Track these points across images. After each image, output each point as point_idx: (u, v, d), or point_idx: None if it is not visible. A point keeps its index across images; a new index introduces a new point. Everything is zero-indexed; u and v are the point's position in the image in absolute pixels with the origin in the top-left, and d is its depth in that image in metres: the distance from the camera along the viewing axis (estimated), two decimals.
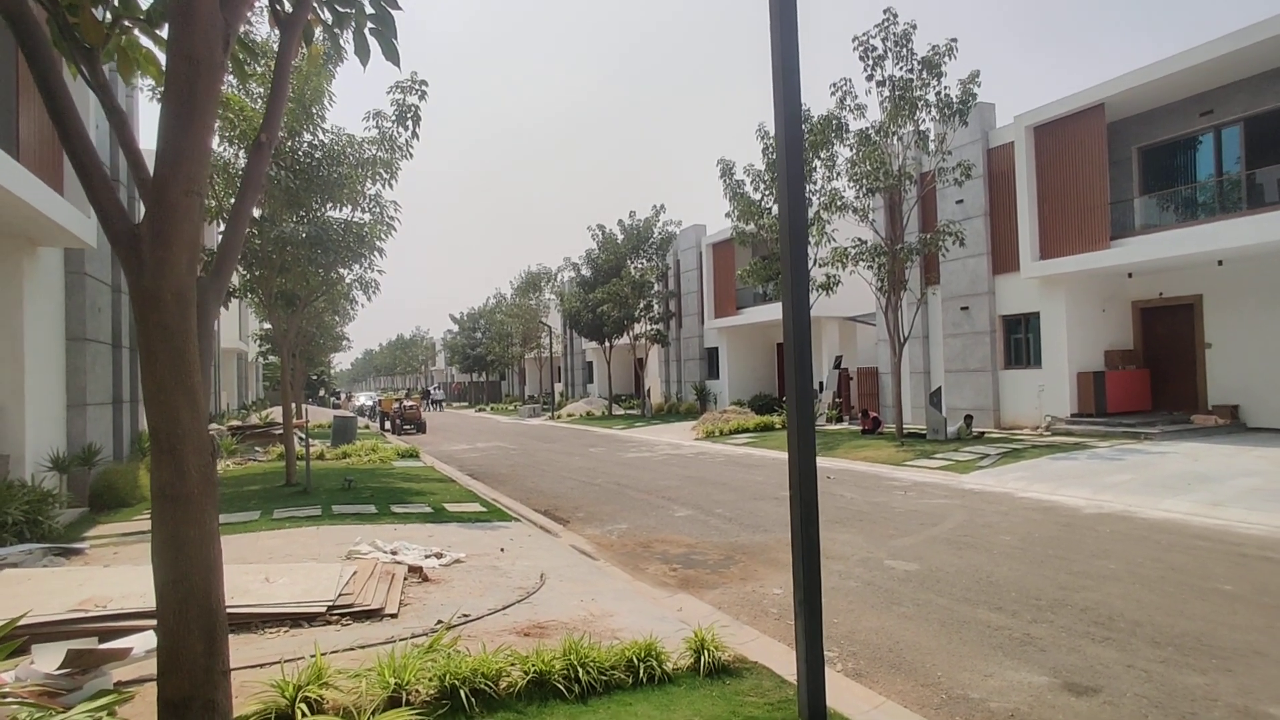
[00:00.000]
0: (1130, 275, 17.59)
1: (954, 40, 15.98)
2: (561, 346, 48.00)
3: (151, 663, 3.29)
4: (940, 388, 19.05)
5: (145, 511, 10.39)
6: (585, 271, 35.05)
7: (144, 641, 4.41)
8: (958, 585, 6.52)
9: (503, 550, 8.11)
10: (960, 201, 19.25)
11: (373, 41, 3.86)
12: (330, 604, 5.69)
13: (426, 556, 7.48)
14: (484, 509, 10.84)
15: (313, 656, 4.26)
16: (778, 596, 6.49)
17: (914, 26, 16.13)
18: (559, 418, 36.13)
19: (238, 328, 34.11)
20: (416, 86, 11.61)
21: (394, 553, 7.50)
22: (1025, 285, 17.95)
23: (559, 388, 49.51)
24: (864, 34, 16.43)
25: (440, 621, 5.51)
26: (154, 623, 3.14)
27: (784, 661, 4.80)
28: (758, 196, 20.22)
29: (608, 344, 34.06)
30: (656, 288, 33.32)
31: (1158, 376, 17.47)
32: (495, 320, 49.82)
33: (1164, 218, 16.46)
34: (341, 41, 3.92)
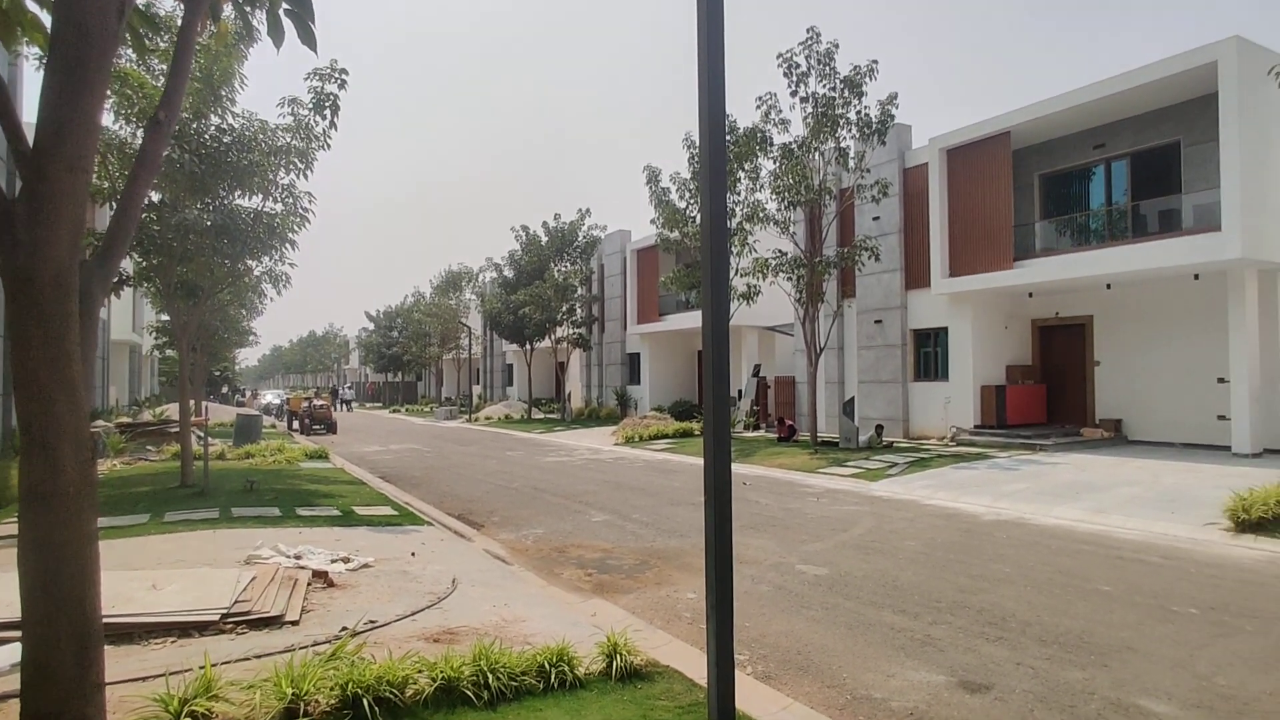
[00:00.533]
0: (1030, 295, 18.64)
1: (875, 61, 16.59)
2: (481, 348, 47.24)
3: (16, 677, 3.02)
4: (853, 398, 19.68)
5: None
6: (508, 272, 34.61)
7: (9, 655, 4.07)
8: (864, 589, 6.73)
9: (414, 555, 7.88)
10: (877, 218, 19.97)
11: (288, 24, 3.69)
12: (225, 612, 5.39)
13: (333, 561, 7.20)
14: (395, 512, 10.52)
15: (202, 668, 4.02)
16: (691, 601, 6.54)
17: (836, 46, 16.66)
18: (477, 420, 35.51)
19: (131, 319, 32.06)
20: (336, 74, 11.21)
21: (298, 557, 7.18)
22: (935, 301, 18.76)
23: (477, 390, 48.67)
24: (789, 51, 16.87)
25: (345, 628, 5.30)
26: (19, 634, 2.89)
27: (696, 665, 4.83)
28: (683, 204, 20.45)
29: (529, 346, 33.72)
30: (580, 291, 33.21)
31: (1053, 391, 18.56)
32: (413, 319, 48.54)
33: (1060, 242, 17.53)
34: (255, 22, 3.74)
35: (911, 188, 19.53)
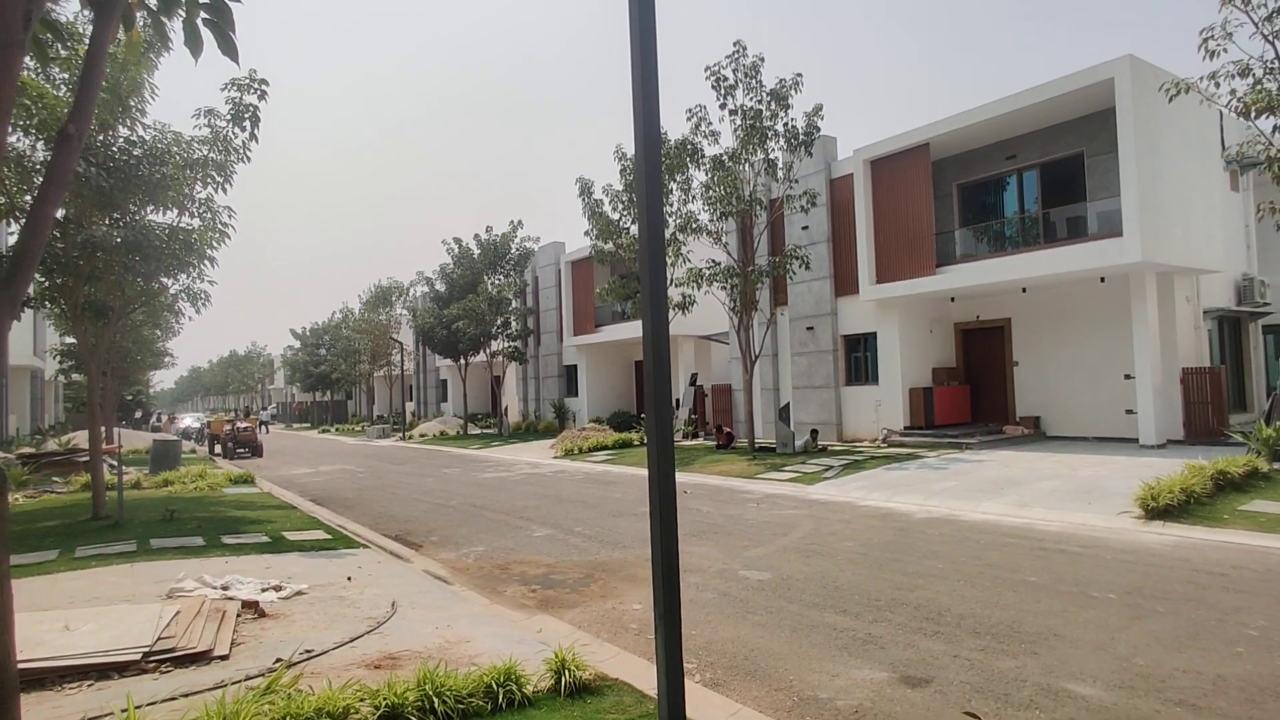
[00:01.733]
0: (953, 299, 19.40)
1: (799, 75, 17.03)
2: (414, 364, 46.24)
3: None
4: (789, 403, 20.06)
5: None
6: (440, 286, 34.01)
7: None
8: (807, 591, 6.85)
9: (350, 579, 7.64)
10: (806, 228, 20.47)
11: (207, 33, 3.55)
12: (147, 650, 5.11)
13: (264, 590, 6.90)
14: (329, 536, 10.17)
15: (125, 711, 3.80)
16: (638, 612, 6.53)
17: (762, 59, 17.05)
18: (411, 438, 34.70)
19: (32, 342, 30.13)
20: (255, 85, 10.87)
21: (225, 588, 6.86)
22: (864, 307, 19.32)
23: (411, 407, 47.58)
24: (716, 64, 17.16)
25: (280, 660, 5.09)
26: None
27: (644, 676, 4.82)
28: (616, 216, 20.53)
29: (463, 361, 33.18)
30: (514, 304, 32.90)
31: (976, 391, 19.33)
32: (342, 336, 47.14)
33: (979, 248, 18.32)
34: (169, 30, 3.59)
35: (838, 197, 20.11)
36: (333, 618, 6.24)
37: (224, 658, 5.23)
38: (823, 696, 4.59)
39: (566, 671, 4.62)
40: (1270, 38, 9.95)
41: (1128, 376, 16.10)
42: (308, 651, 5.33)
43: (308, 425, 58.27)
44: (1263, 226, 17.56)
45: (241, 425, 28.25)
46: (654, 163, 3.90)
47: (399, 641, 5.64)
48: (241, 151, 11.52)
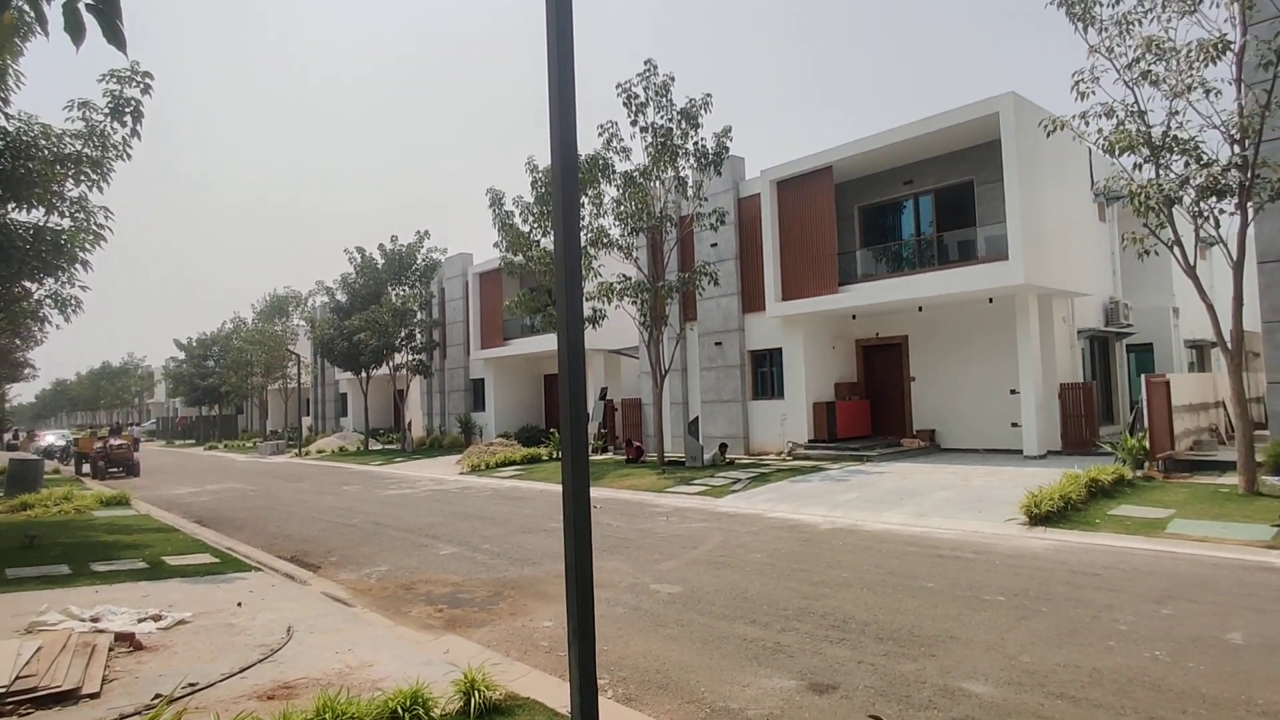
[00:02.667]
0: (854, 317, 20.19)
1: (709, 95, 17.41)
2: (312, 377, 44.24)
3: None
4: (697, 417, 20.32)
5: None
6: (341, 297, 32.70)
7: None
8: (717, 603, 6.90)
9: (240, 605, 7.17)
10: (715, 245, 20.88)
11: (91, 20, 3.28)
12: (4, 690, 4.61)
13: (140, 620, 6.38)
14: (216, 559, 9.53)
15: None
16: (548, 629, 6.41)
17: (672, 78, 17.33)
18: (308, 454, 33.11)
19: None
20: (138, 78, 10.18)
21: (95, 620, 6.31)
22: (770, 323, 19.84)
23: (308, 421, 45.44)
24: (628, 81, 17.34)
25: (159, 695, 4.71)
26: None
27: (557, 694, 4.73)
28: (527, 228, 20.34)
29: (365, 374, 32.00)
30: (420, 316, 32.01)
31: (876, 405, 20.14)
32: (233, 347, 44.54)
33: (879, 268, 19.16)
34: (47, 12, 3.29)
35: (746, 216, 20.63)
36: (220, 647, 5.83)
37: (94, 696, 4.78)
38: (734, 707, 4.62)
39: (476, 692, 4.47)
40: (1130, 84, 10.90)
41: (1013, 391, 17.17)
42: (191, 685, 4.95)
43: (192, 442, 54.67)
44: (1126, 254, 19.16)
45: (115, 442, 26.16)
46: (570, 176, 3.87)
47: (295, 669, 5.32)
48: (121, 148, 10.75)
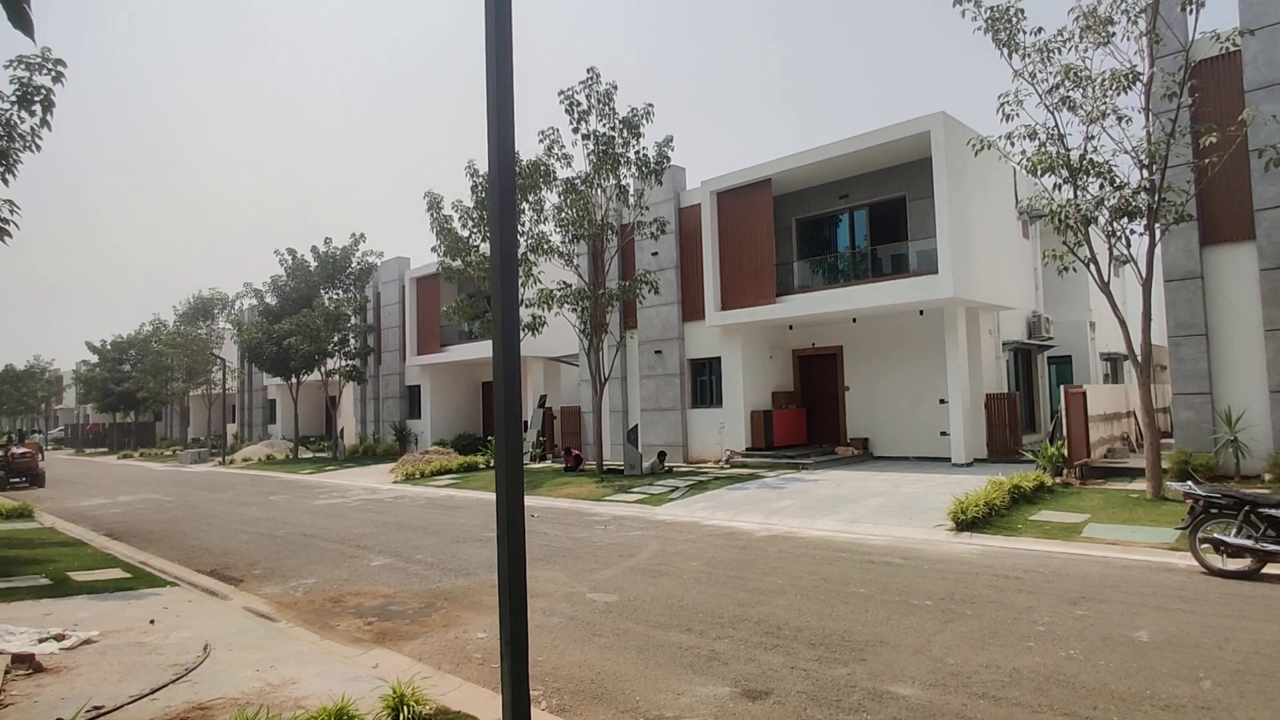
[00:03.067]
0: (791, 327, 20.56)
1: (650, 105, 17.54)
2: (238, 382, 42.58)
3: None
4: (636, 425, 20.34)
5: None
6: (270, 300, 31.61)
7: None
8: (653, 612, 6.89)
9: (153, 622, 6.81)
10: (656, 254, 21.00)
11: None
12: None
13: (41, 640, 6.00)
14: (128, 575, 9.05)
15: None
16: (482, 640, 6.29)
17: (615, 87, 17.40)
18: (233, 463, 31.82)
19: None
20: (49, 65, 9.66)
21: None
22: (709, 333, 20.03)
23: (233, 429, 43.71)
24: (570, 88, 17.33)
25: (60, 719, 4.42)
26: None
27: (489, 707, 4.64)
28: (466, 233, 20.08)
29: (295, 380, 30.97)
30: (354, 321, 31.19)
31: (812, 414, 20.52)
32: (151, 350, 42.48)
33: (815, 280, 19.57)
34: None
35: (687, 226, 20.81)
36: (129, 667, 5.52)
37: None
38: (668, 715, 4.61)
39: (405, 707, 4.36)
40: (1051, 109, 11.45)
41: (942, 401, 17.74)
42: (96, 708, 4.67)
43: (105, 450, 51.89)
44: (1048, 270, 20.06)
45: (17, 451, 24.59)
46: (508, 183, 3.82)
47: (212, 689, 5.08)
48: (30, 139, 10.17)
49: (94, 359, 50.49)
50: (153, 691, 5.00)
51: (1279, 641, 5.45)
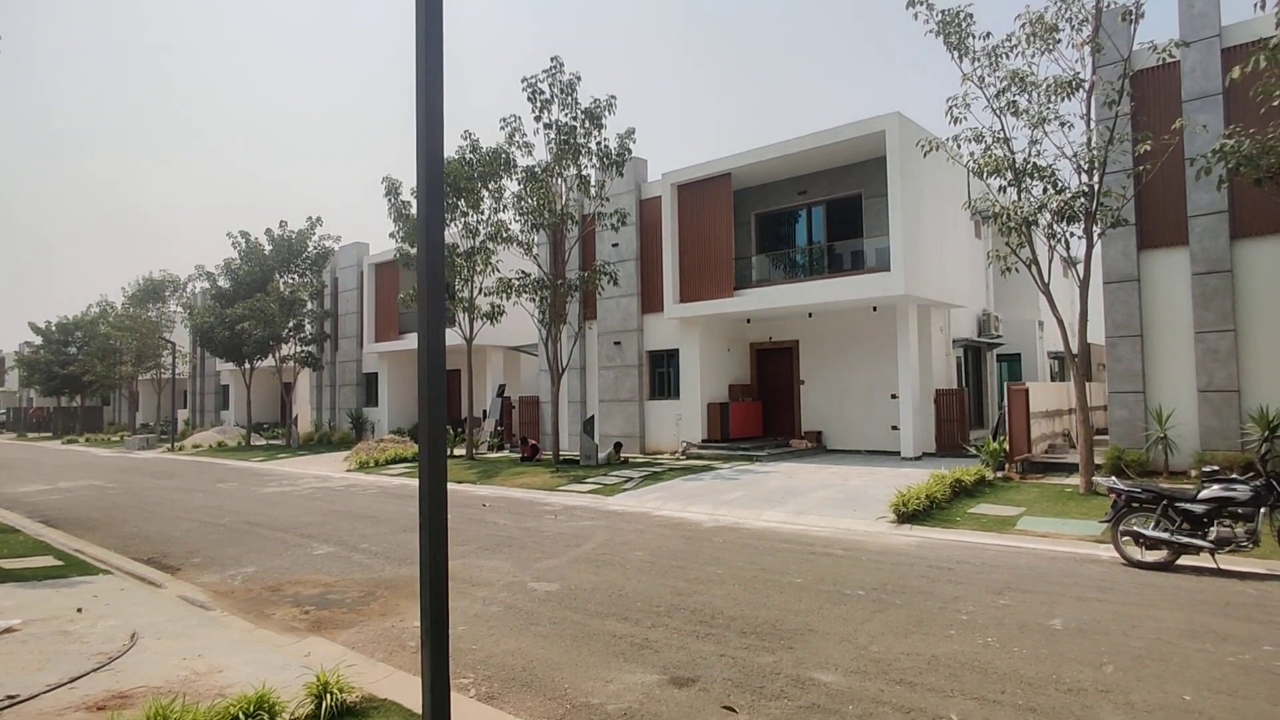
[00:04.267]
0: (749, 321, 20.74)
1: (613, 96, 17.49)
2: (189, 367, 41.58)
3: None
4: (593, 416, 20.38)
5: None
6: (223, 283, 30.90)
7: None
8: (592, 601, 6.96)
9: (80, 611, 6.68)
10: (616, 245, 21.01)
11: None
12: None
13: None
14: (59, 563, 8.84)
15: None
16: (417, 629, 6.27)
17: (578, 77, 17.32)
18: (182, 449, 31.13)
19: None
20: None
21: None
22: (668, 325, 20.13)
23: (184, 415, 42.70)
24: (533, 77, 17.20)
25: None
26: None
27: (416, 695, 4.65)
28: None
29: (248, 366, 30.38)
30: (310, 306, 30.65)
31: (768, 407, 20.76)
32: (98, 333, 41.23)
33: (774, 274, 19.76)
34: None
35: (647, 218, 20.85)
36: (50, 656, 5.42)
37: None
38: (594, 702, 4.68)
39: (328, 695, 4.37)
40: (998, 112, 11.72)
41: (893, 396, 18.09)
42: (10, 697, 4.59)
43: (49, 435, 50.32)
44: (998, 270, 20.59)
45: None
46: (435, 175, 3.82)
47: (135, 677, 5.02)
48: None
49: (38, 340, 48.82)
50: (72, 680, 4.92)
51: (1181, 628, 5.72)
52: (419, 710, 4.34)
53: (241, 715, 4.04)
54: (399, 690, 4.84)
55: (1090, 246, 11.66)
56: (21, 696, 4.60)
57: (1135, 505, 7.88)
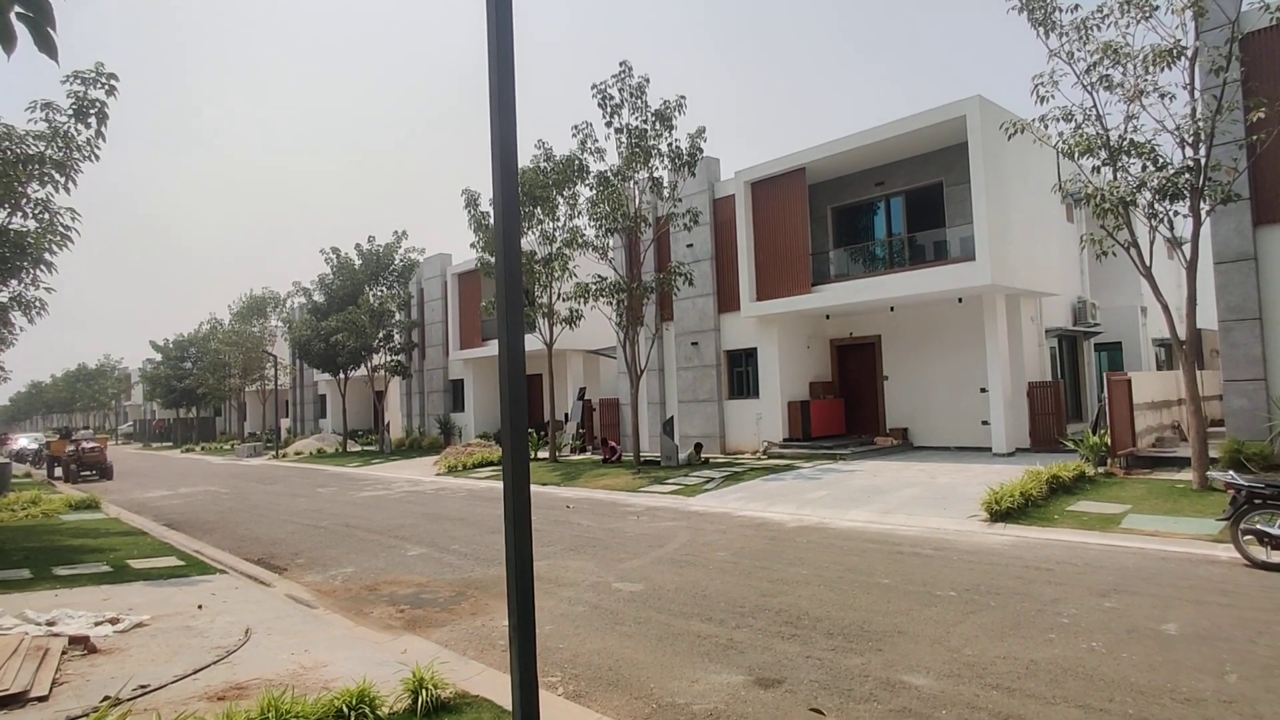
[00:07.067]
0: (828, 317, 20.35)
1: (683, 96, 17.51)
2: (290, 378, 43.92)
3: None
4: (673, 417, 20.42)
5: None
6: (318, 297, 32.51)
7: None
8: (676, 601, 6.99)
9: (201, 607, 7.17)
10: (690, 245, 21.00)
11: (21, 29, 3.29)
12: None
13: (97, 624, 6.38)
14: (182, 562, 9.51)
15: None
16: (506, 629, 6.46)
17: (647, 80, 17.42)
18: (285, 456, 32.91)
19: None
20: (103, 79, 10.14)
21: (50, 623, 6.30)
22: (745, 323, 19.97)
23: (286, 423, 45.10)
24: (602, 83, 17.41)
25: (108, 697, 4.73)
26: None
27: (506, 693, 4.78)
28: None
29: (343, 376, 31.84)
30: (398, 317, 31.89)
31: (850, 404, 20.32)
32: (209, 349, 44.12)
33: (852, 268, 19.33)
34: None
35: (721, 217, 20.75)
36: (175, 649, 5.84)
37: (43, 698, 4.79)
38: (680, 702, 4.70)
39: (424, 691, 4.54)
40: (1089, 88, 11.11)
41: (982, 390, 17.39)
42: (142, 687, 4.97)
43: (169, 444, 54.14)
44: (1092, 255, 19.52)
45: (88, 445, 25.87)
46: (510, 184, 3.93)
47: (249, 670, 5.35)
48: (88, 149, 10.68)
49: (158, 357, 52.64)
50: (195, 672, 5.29)
51: None
52: (509, 707, 4.48)
53: (345, 708, 4.25)
54: (490, 687, 4.99)
55: (1198, 225, 10.90)
56: (152, 686, 4.98)
57: (1258, 501, 7.33)
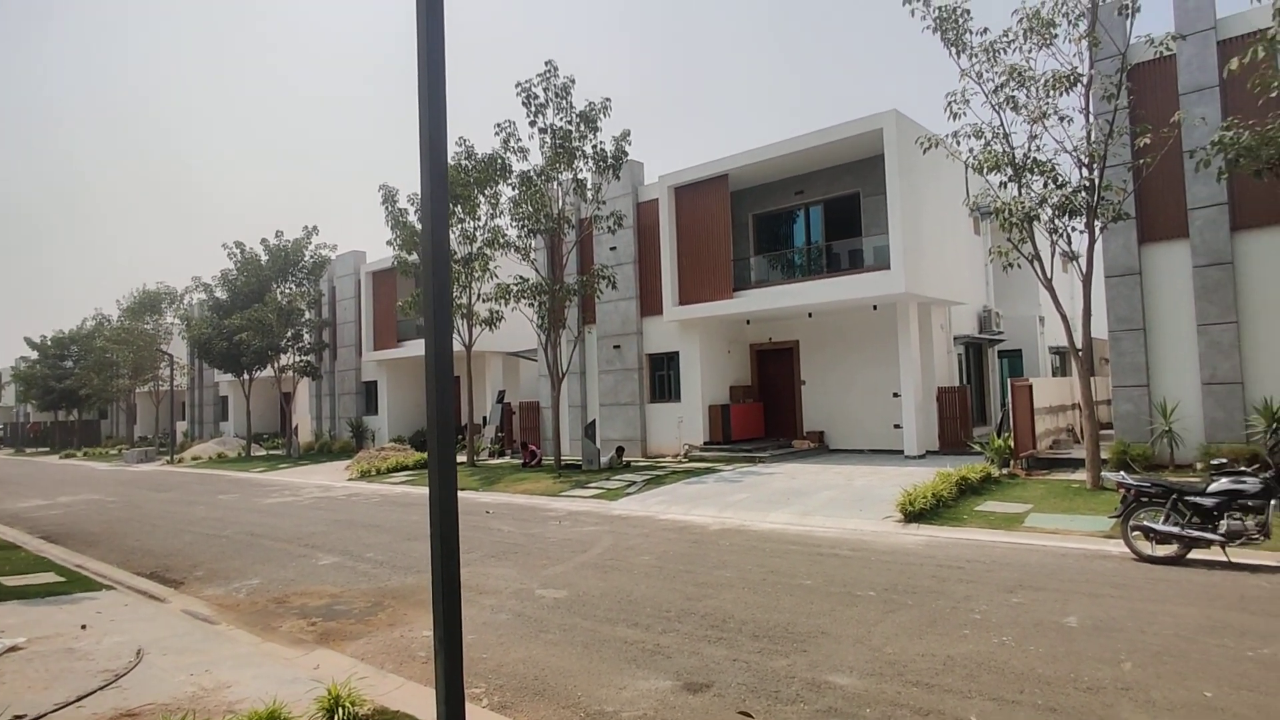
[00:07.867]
0: (748, 322, 20.70)
1: (608, 99, 17.50)
2: (188, 379, 41.47)
3: None
4: (594, 420, 20.32)
5: None
6: (220, 294, 30.79)
7: None
8: (601, 607, 6.90)
9: (85, 627, 6.61)
10: (614, 248, 20.96)
11: None
12: None
13: None
14: (62, 579, 8.77)
15: None
16: (427, 639, 6.22)
17: (573, 81, 17.32)
18: (181, 461, 31.00)
19: None
20: None
21: None
22: (667, 327, 20.08)
23: (183, 426, 42.54)
24: (527, 81, 17.19)
25: None
26: None
27: (428, 706, 4.59)
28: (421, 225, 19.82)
29: (247, 376, 30.27)
30: (308, 316, 30.57)
31: (769, 408, 20.71)
32: (94, 346, 41.08)
33: (772, 275, 19.72)
34: None
35: (645, 220, 20.81)
36: (56, 674, 5.35)
37: None
38: (609, 710, 4.62)
39: (341, 708, 4.31)
40: (996, 108, 11.70)
41: (895, 394, 18.05)
42: (18, 718, 4.51)
43: (47, 449, 50.13)
44: (998, 266, 20.57)
45: None
46: (439, 179, 3.77)
47: (142, 695, 4.96)
48: None
49: (34, 355, 48.66)
50: (79, 699, 4.86)
51: (1197, 623, 5.68)
52: None
53: None
54: (411, 701, 4.78)
55: (1092, 241, 11.63)
56: (29, 717, 4.53)
57: (1144, 500, 7.84)
